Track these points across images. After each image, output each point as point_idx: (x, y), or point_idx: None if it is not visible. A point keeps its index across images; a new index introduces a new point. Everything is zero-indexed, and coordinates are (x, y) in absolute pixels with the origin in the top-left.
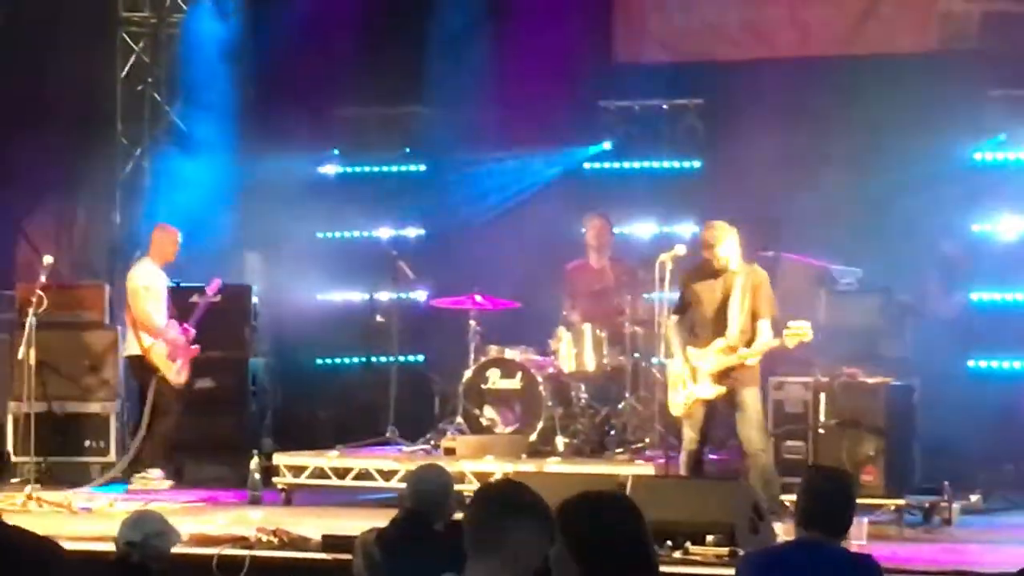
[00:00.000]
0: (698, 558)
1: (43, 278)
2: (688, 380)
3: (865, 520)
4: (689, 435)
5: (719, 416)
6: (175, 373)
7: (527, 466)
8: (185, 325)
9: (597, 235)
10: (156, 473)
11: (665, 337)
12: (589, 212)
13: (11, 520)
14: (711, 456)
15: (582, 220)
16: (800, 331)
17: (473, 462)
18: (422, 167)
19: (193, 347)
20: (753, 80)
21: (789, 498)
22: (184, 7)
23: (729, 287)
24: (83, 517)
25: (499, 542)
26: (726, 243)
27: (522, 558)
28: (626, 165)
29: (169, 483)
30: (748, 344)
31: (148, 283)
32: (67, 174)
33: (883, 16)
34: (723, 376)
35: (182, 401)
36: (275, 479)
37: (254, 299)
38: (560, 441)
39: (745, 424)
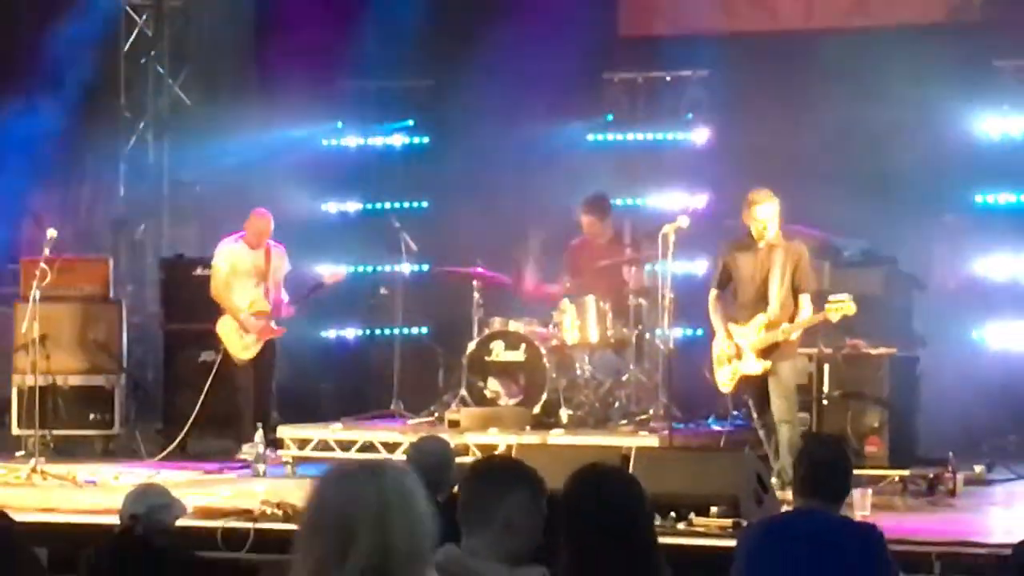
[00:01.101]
0: (702, 529)
1: (47, 251)
2: (733, 357)
3: (869, 491)
4: (755, 411)
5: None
6: (240, 348)
7: (531, 438)
8: (285, 302)
9: (588, 226)
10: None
11: (708, 312)
12: (580, 203)
13: (17, 493)
14: (716, 427)
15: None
16: (843, 304)
17: (477, 434)
18: (426, 139)
19: (276, 327)
20: (757, 52)
21: None
22: None
23: (770, 262)
24: (88, 490)
25: (492, 516)
26: (765, 206)
27: (516, 530)
28: (629, 137)
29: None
30: (790, 319)
31: (225, 262)
32: (71, 148)
33: None
34: (767, 351)
35: (244, 377)
36: (280, 452)
37: None
38: (564, 413)
39: (776, 394)
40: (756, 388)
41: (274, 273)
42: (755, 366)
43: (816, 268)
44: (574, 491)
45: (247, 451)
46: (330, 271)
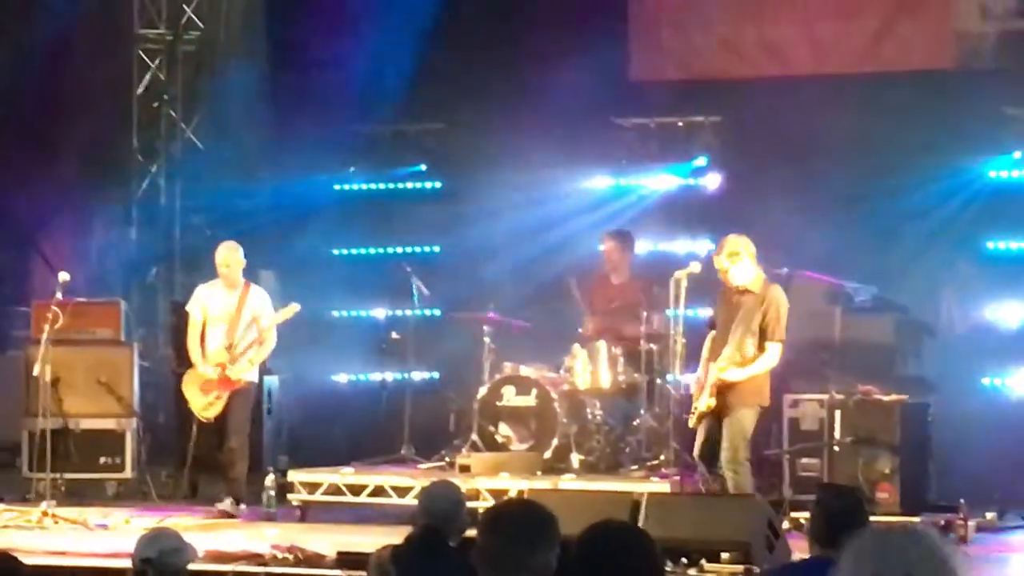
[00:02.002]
0: (713, 575)
1: (59, 295)
2: (699, 392)
3: None
4: (698, 444)
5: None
6: (201, 408)
7: (542, 483)
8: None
9: (608, 255)
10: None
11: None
12: (605, 231)
13: (27, 536)
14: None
15: (600, 237)
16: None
17: (488, 479)
18: (438, 184)
19: (235, 379)
20: (769, 98)
21: (804, 515)
22: (201, 25)
23: (738, 306)
24: (99, 534)
25: (506, 560)
26: (738, 265)
27: (510, 569)
28: (641, 182)
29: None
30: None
31: (198, 307)
32: (83, 191)
33: (899, 34)
34: (720, 391)
35: (209, 435)
36: (290, 496)
37: None
38: (575, 458)
39: (727, 438)
40: (708, 428)
41: (247, 315)
42: (703, 402)
43: (829, 314)
44: (587, 551)
45: (226, 506)
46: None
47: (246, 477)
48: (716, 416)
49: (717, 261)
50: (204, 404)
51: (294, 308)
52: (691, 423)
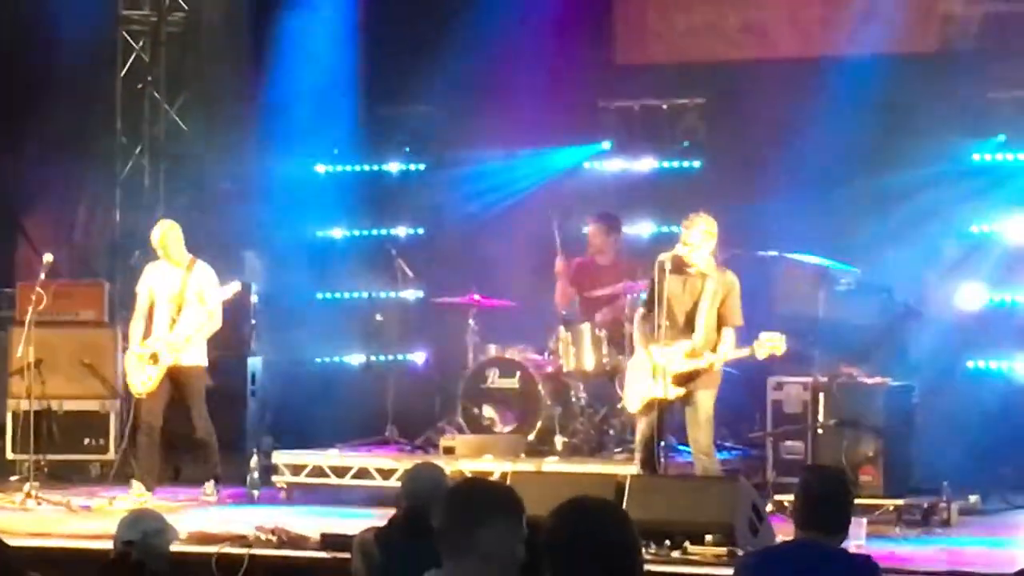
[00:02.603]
0: (697, 558)
1: (42, 276)
2: (648, 378)
3: (864, 520)
4: (644, 432)
5: (676, 415)
6: (134, 383)
7: (526, 465)
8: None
9: (592, 238)
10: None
11: (632, 332)
12: (591, 218)
13: (10, 518)
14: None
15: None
16: (773, 343)
17: (472, 461)
18: (422, 166)
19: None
20: (753, 80)
21: (788, 498)
22: (185, 6)
23: (699, 290)
24: (82, 515)
25: (469, 544)
26: (694, 230)
27: (495, 558)
28: (625, 165)
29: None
30: (712, 349)
31: (144, 285)
32: (67, 173)
33: (883, 17)
34: (685, 379)
35: (148, 414)
36: (274, 477)
37: (253, 298)
38: (559, 440)
39: (694, 425)
40: (661, 413)
41: (191, 293)
42: (669, 391)
43: (813, 296)
44: (562, 526)
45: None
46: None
47: (219, 457)
48: (667, 403)
49: (688, 236)
50: (141, 380)
51: (235, 287)
52: (634, 408)
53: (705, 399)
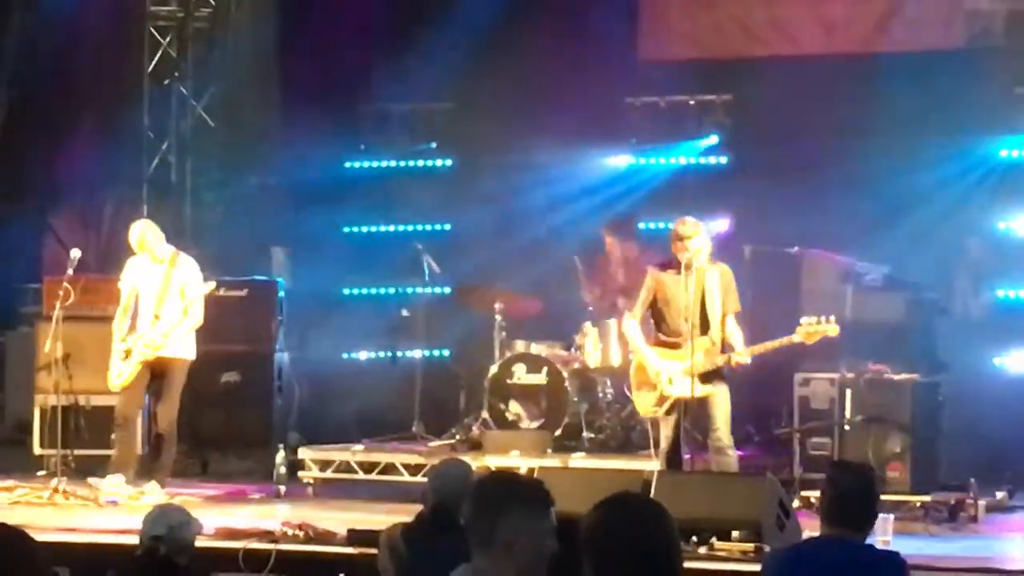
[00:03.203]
0: (724, 554)
1: (70, 271)
2: (663, 380)
3: (891, 516)
4: (668, 435)
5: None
6: (111, 376)
7: (552, 461)
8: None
9: (608, 247)
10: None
11: (625, 337)
12: (604, 224)
13: (38, 512)
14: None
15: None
16: (823, 326)
17: (498, 457)
18: (448, 162)
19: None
20: (779, 77)
21: (814, 494)
22: (212, 2)
23: (702, 286)
24: (109, 510)
25: (491, 535)
26: (697, 239)
27: (517, 547)
28: (652, 161)
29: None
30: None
31: (123, 280)
32: (94, 169)
33: (908, 14)
34: (706, 377)
35: (117, 408)
36: (301, 473)
37: (280, 293)
38: (585, 436)
39: (720, 420)
40: (679, 415)
41: (174, 286)
42: (697, 389)
43: (840, 293)
44: (604, 522)
45: (149, 488)
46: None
47: (173, 456)
48: (684, 402)
49: (693, 243)
50: (116, 374)
51: (211, 285)
52: (650, 413)
53: (723, 395)
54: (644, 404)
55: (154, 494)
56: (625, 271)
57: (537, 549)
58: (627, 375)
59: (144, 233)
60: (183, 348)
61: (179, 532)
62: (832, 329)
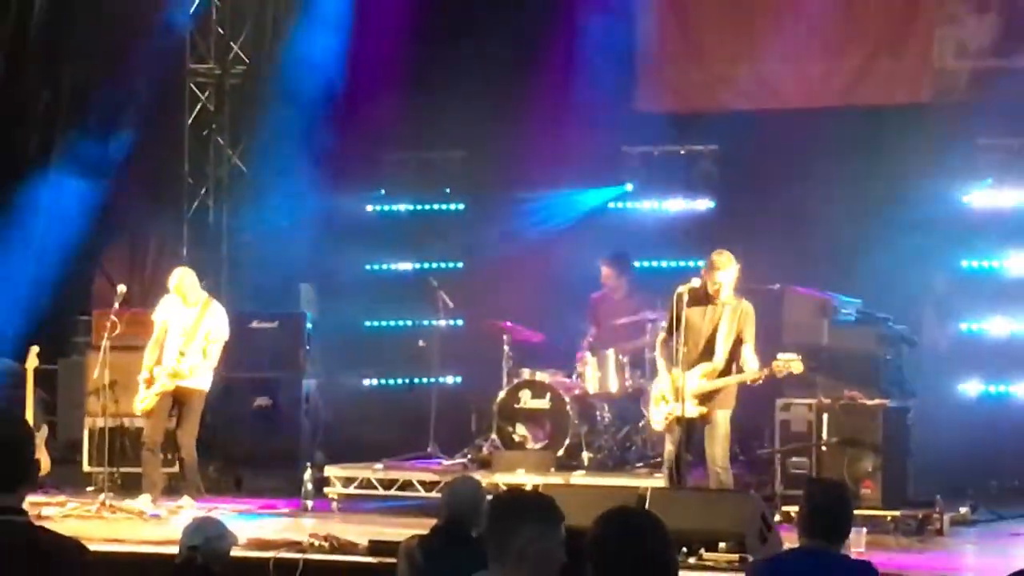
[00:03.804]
0: (711, 563)
1: (116, 305)
2: (670, 398)
3: (864, 530)
4: (669, 448)
5: (696, 432)
6: (136, 401)
7: (555, 479)
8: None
9: (605, 279)
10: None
11: (655, 355)
12: (602, 259)
13: (88, 525)
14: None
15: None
16: (791, 362)
17: (506, 475)
18: (461, 206)
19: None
20: (762, 128)
21: (794, 509)
22: (246, 60)
23: (718, 317)
24: (152, 523)
25: (507, 546)
26: (727, 271)
27: (530, 558)
28: (646, 205)
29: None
30: (729, 371)
31: (157, 314)
32: (139, 212)
33: (880, 71)
34: (705, 398)
35: (150, 430)
36: (326, 489)
37: (308, 325)
38: (585, 456)
39: (712, 442)
40: (685, 431)
41: (202, 330)
42: (691, 410)
43: (817, 326)
44: (607, 534)
45: (183, 502)
46: None
47: (199, 481)
48: (689, 421)
49: (720, 276)
50: (139, 399)
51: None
52: (659, 427)
53: (722, 418)
54: (654, 420)
55: (190, 507)
56: (611, 309)
57: (548, 559)
58: (624, 400)
59: (182, 279)
60: (201, 381)
61: (215, 543)
62: (797, 367)
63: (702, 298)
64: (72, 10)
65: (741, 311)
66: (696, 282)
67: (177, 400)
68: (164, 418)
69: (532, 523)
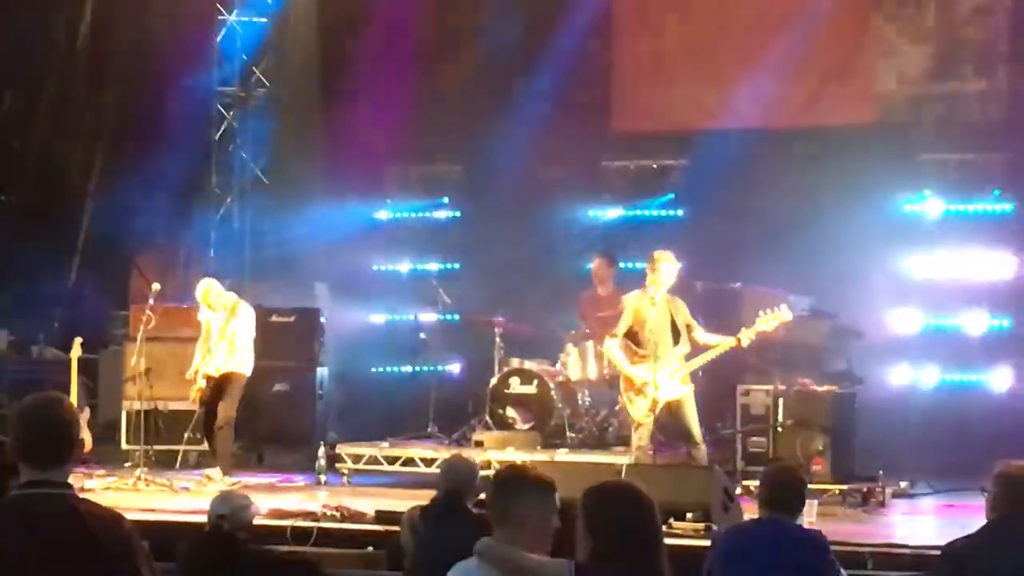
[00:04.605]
0: (680, 531)
1: (151, 301)
2: (650, 388)
3: (815, 502)
4: (646, 432)
5: (668, 416)
6: (191, 392)
7: (541, 456)
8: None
9: (596, 271)
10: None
11: (608, 356)
12: (594, 251)
13: (125, 497)
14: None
15: (589, 257)
16: (777, 315)
17: (497, 452)
18: (457, 214)
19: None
20: (726, 145)
21: (753, 483)
22: (267, 83)
23: (670, 311)
24: (182, 495)
25: (508, 513)
26: (668, 265)
27: (529, 523)
28: (622, 213)
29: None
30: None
31: (201, 316)
32: (171, 218)
33: (830, 94)
34: (685, 380)
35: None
36: (338, 465)
37: (322, 319)
38: (568, 436)
39: (693, 419)
40: (668, 413)
41: (230, 330)
42: (680, 391)
43: None
44: (603, 501)
45: (211, 472)
46: None
47: (229, 453)
48: (670, 406)
49: (662, 269)
50: (193, 391)
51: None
52: (643, 418)
53: (692, 398)
54: (638, 411)
55: (218, 480)
56: (605, 297)
57: (544, 523)
58: (602, 387)
59: (204, 291)
60: (241, 365)
61: (240, 512)
62: (784, 315)
63: (650, 298)
64: (114, 38)
65: (679, 304)
66: (652, 287)
67: (220, 381)
68: (217, 399)
69: (531, 494)
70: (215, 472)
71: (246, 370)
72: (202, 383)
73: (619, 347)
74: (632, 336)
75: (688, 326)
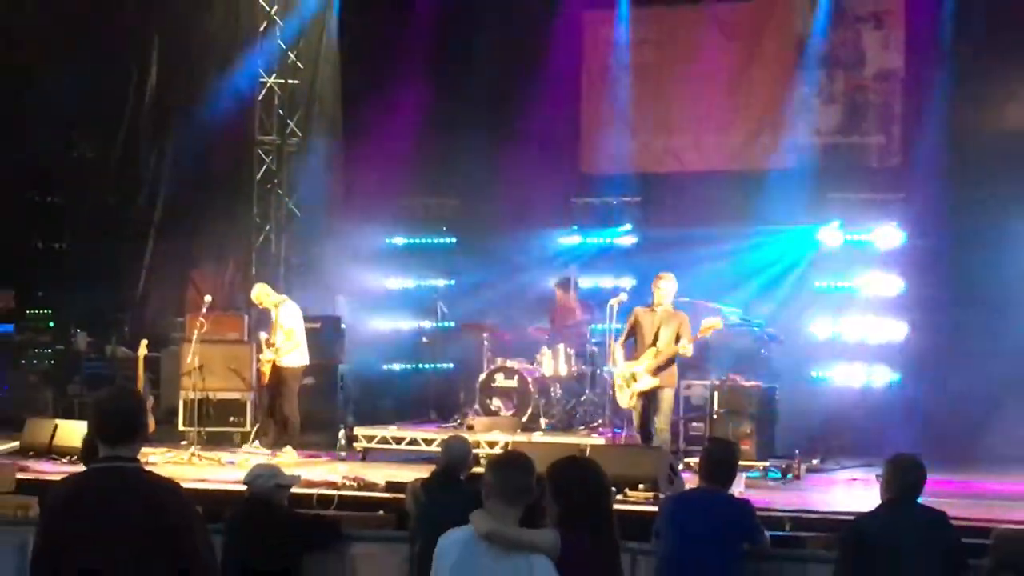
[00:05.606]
0: (632, 499)
1: (204, 310)
2: (630, 381)
3: (744, 475)
4: (637, 420)
5: (652, 404)
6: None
7: (521, 438)
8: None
9: (558, 298)
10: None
11: (612, 353)
12: (553, 282)
13: (181, 469)
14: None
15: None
16: (710, 322)
17: (485, 434)
18: (453, 240)
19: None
20: (673, 185)
21: (694, 460)
22: (299, 133)
23: (662, 322)
24: (228, 468)
25: (501, 486)
26: (666, 284)
27: (513, 497)
28: (588, 241)
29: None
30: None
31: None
32: (220, 243)
33: (759, 144)
34: (654, 374)
35: (265, 396)
36: (355, 444)
37: (343, 326)
38: (543, 421)
39: (658, 413)
40: (642, 404)
41: (278, 326)
42: (648, 382)
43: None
44: (564, 472)
45: (286, 451)
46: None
47: (298, 432)
48: (645, 394)
49: (662, 286)
50: (265, 366)
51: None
52: (626, 405)
53: (667, 394)
54: (622, 400)
55: (288, 456)
56: (564, 315)
57: (527, 492)
58: (571, 381)
59: (256, 294)
60: (294, 360)
61: (280, 481)
62: (718, 324)
63: (651, 309)
64: (172, 94)
65: (679, 318)
66: (623, 296)
67: (278, 375)
68: (272, 388)
69: (519, 470)
70: (286, 451)
71: (298, 362)
72: (269, 356)
73: (619, 346)
74: (634, 340)
75: (677, 335)
